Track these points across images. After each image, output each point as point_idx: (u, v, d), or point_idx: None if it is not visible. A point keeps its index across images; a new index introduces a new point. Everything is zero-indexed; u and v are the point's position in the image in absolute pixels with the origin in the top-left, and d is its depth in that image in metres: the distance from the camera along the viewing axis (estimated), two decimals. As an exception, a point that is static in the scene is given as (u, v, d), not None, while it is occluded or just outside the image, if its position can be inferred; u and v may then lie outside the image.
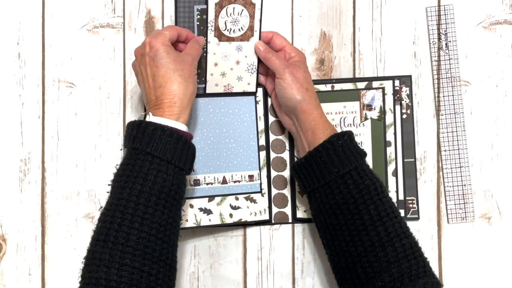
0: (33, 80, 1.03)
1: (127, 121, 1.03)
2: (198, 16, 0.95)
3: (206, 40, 0.96)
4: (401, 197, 1.02)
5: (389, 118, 1.02)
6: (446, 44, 1.05)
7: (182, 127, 0.87)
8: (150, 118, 0.85)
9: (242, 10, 0.96)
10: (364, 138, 1.02)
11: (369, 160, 1.01)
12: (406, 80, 1.04)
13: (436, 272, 0.87)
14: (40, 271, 1.02)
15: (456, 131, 1.05)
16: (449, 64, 1.05)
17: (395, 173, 1.02)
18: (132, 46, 1.03)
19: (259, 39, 0.98)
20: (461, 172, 1.04)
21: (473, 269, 1.04)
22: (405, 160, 1.03)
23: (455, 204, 1.04)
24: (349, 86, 1.03)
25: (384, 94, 1.03)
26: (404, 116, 1.04)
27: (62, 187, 1.02)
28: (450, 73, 1.05)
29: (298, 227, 1.04)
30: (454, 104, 1.05)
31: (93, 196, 1.02)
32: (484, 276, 1.03)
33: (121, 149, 1.00)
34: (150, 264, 0.79)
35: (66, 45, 1.03)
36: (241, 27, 0.97)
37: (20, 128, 1.03)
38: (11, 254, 1.01)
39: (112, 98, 1.04)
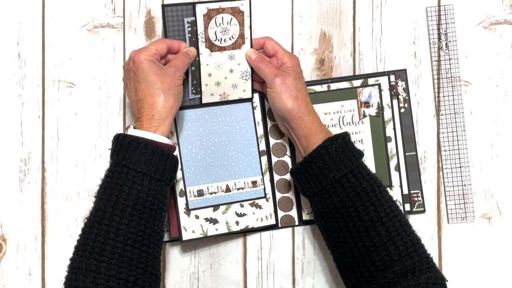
0: (33, 80, 1.03)
1: (127, 121, 1.03)
2: (189, 28, 0.94)
3: (198, 52, 0.96)
4: (405, 191, 1.02)
5: (387, 114, 1.02)
6: (446, 44, 1.05)
7: (160, 139, 0.88)
8: (130, 131, 0.88)
9: (231, 18, 0.96)
10: (364, 136, 1.02)
11: (370, 156, 1.01)
12: (401, 74, 1.04)
13: (436, 272, 0.87)
14: (40, 271, 1.01)
15: (456, 131, 1.05)
16: (449, 64, 1.05)
17: (397, 168, 1.02)
18: (132, 46, 1.03)
19: (251, 46, 0.98)
20: (461, 172, 1.04)
21: (473, 269, 1.03)
22: (406, 154, 1.03)
23: (455, 204, 1.04)
24: (345, 85, 1.03)
25: (380, 90, 1.03)
26: (402, 110, 1.04)
27: (62, 187, 1.02)
28: (450, 73, 1.05)
29: (299, 227, 1.03)
30: (454, 104, 1.05)
31: (93, 196, 1.02)
32: (484, 276, 1.03)
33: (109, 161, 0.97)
34: (127, 272, 0.83)
35: (66, 45, 1.04)
36: (232, 36, 0.97)
37: (20, 128, 1.03)
38: (11, 254, 1.01)
39: (112, 98, 1.04)
